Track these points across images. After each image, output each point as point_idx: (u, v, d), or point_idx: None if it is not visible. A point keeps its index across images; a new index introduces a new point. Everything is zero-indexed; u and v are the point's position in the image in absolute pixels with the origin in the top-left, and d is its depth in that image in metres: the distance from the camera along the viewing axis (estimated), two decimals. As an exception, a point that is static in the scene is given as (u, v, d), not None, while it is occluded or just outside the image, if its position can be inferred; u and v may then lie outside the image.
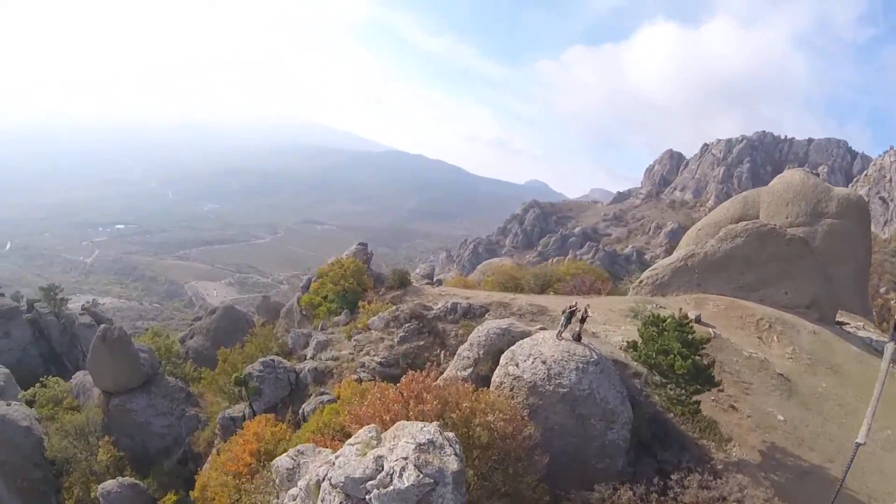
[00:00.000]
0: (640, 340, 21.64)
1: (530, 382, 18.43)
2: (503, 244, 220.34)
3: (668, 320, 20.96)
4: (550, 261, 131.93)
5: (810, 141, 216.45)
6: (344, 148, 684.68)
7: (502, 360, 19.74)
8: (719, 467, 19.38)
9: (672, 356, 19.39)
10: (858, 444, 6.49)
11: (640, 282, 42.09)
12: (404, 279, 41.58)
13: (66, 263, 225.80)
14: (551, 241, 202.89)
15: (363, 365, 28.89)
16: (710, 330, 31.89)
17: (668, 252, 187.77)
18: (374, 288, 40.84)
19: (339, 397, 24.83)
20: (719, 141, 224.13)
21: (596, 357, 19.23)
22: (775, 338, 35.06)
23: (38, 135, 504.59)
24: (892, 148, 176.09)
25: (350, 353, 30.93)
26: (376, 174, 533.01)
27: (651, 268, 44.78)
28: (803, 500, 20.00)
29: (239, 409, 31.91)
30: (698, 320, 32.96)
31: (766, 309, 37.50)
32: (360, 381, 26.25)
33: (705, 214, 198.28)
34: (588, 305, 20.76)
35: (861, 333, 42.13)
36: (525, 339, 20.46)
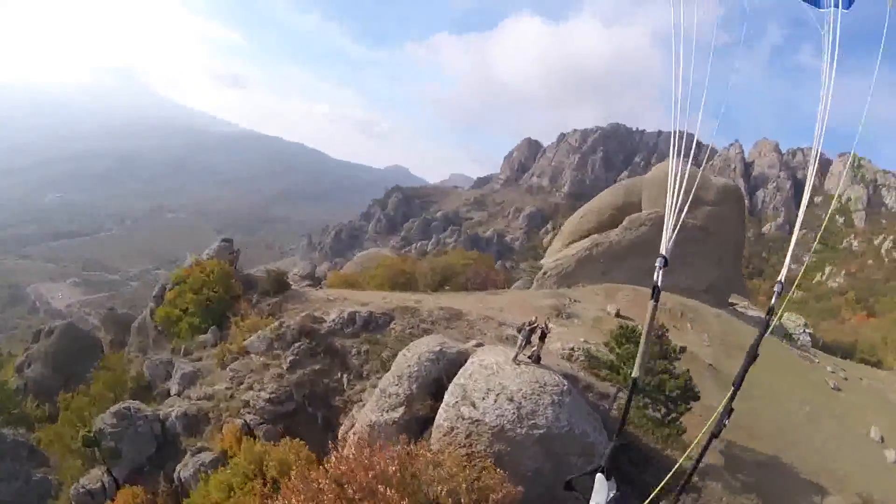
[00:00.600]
0: (613, 358, 17.83)
1: (495, 426, 13.87)
2: (366, 230, 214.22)
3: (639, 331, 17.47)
4: (434, 251, 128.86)
5: (660, 133, 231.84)
6: (197, 128, 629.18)
7: (449, 398, 14.76)
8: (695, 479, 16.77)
9: (662, 375, 15.82)
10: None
11: (545, 273, 39.43)
12: (282, 282, 34.92)
13: None
14: (414, 226, 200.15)
15: (248, 404, 21.83)
16: (631, 324, 29.61)
17: (528, 234, 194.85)
18: (244, 295, 33.22)
19: (226, 454, 18.28)
20: (575, 131, 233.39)
21: (567, 384, 15.11)
22: (689, 325, 33.86)
23: None
24: (737, 142, 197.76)
25: (228, 388, 23.48)
26: (231, 157, 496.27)
27: (553, 258, 42.40)
28: (776, 496, 19.14)
29: (95, 477, 23.20)
30: (618, 314, 30.53)
31: (672, 297, 36.40)
32: (247, 427, 19.71)
33: (561, 198, 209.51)
34: (548, 320, 16.56)
35: (750, 312, 42.83)
36: (471, 366, 15.62)
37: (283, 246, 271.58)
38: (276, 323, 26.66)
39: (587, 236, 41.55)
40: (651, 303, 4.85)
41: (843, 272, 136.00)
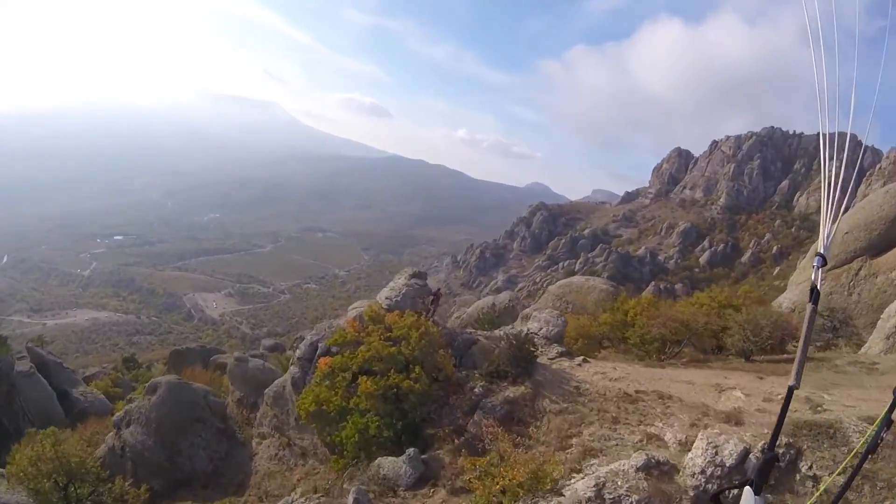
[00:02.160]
0: None
1: None
2: (510, 248, 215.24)
3: None
4: (582, 271, 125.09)
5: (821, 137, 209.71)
6: (346, 155, 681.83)
7: None
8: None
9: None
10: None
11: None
12: (526, 353, 18.49)
13: (63, 276, 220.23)
14: (560, 244, 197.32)
15: None
16: None
17: (682, 252, 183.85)
18: (455, 376, 19.08)
19: None
20: (728, 137, 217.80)
21: None
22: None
23: (36, 142, 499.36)
24: None
25: None
26: (378, 180, 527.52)
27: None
28: None
29: None
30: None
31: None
32: None
33: (717, 212, 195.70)
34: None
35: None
36: None
37: (427, 265, 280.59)
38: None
39: (852, 259, 33.62)
40: (809, 305, 4.12)
41: None
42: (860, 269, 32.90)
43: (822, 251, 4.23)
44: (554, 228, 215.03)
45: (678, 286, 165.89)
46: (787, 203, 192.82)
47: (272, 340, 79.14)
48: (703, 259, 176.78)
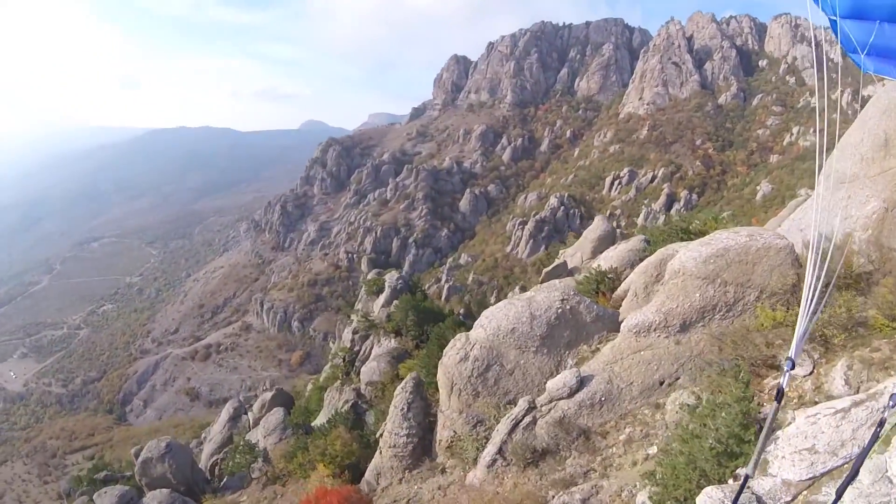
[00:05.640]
0: None
1: None
2: (311, 194, 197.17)
3: None
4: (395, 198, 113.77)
5: (588, 24, 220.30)
6: (105, 143, 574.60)
7: None
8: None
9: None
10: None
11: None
12: None
13: None
14: (364, 176, 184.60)
15: None
16: None
17: (486, 155, 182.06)
18: None
19: None
20: (503, 38, 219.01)
21: None
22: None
23: None
24: (672, 18, 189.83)
25: None
26: (143, 162, 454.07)
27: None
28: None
29: None
30: None
31: None
32: None
33: (507, 110, 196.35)
34: None
35: None
36: None
37: (225, 237, 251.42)
38: None
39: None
40: (774, 404, 4.98)
41: (812, 130, 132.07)
42: None
43: (792, 356, 4.73)
44: (351, 162, 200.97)
45: (490, 188, 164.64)
46: (569, 89, 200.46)
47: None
48: (505, 157, 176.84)
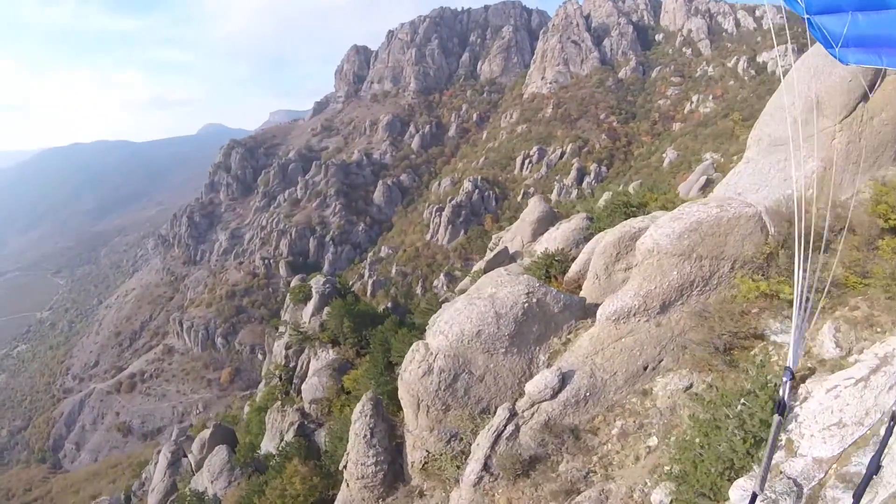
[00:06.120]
0: None
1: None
2: (218, 201, 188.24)
3: None
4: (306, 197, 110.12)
5: (487, 7, 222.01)
6: None
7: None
8: None
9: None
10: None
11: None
12: None
13: None
14: (271, 177, 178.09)
15: None
16: None
17: (394, 145, 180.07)
18: None
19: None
20: (403, 25, 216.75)
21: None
22: None
23: None
24: None
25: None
26: (36, 187, 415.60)
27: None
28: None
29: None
30: None
31: None
32: None
33: (411, 98, 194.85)
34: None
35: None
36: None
37: (134, 258, 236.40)
38: None
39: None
40: (776, 417, 4.97)
41: (711, 97, 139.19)
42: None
43: (790, 365, 4.76)
44: (256, 163, 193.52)
45: (403, 177, 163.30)
46: (472, 73, 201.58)
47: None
48: (414, 145, 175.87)
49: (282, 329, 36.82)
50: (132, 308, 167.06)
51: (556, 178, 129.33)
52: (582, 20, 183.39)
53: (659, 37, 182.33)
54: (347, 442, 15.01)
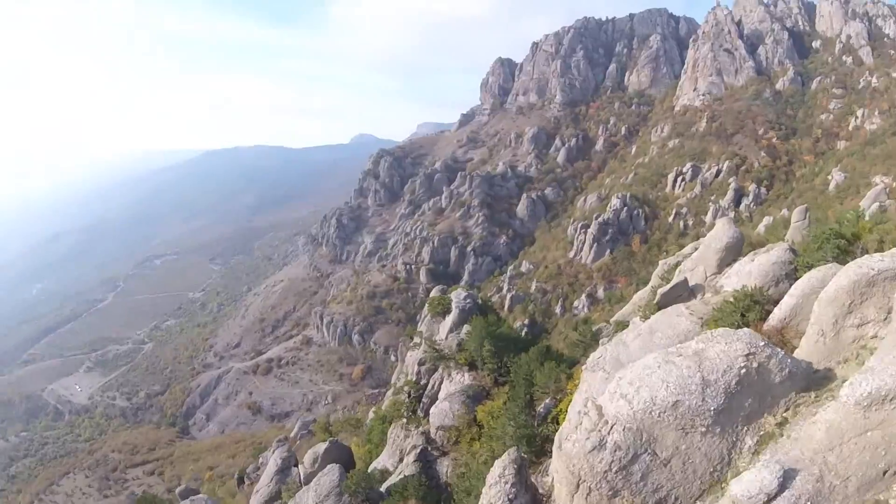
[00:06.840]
0: None
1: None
2: (366, 206, 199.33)
3: None
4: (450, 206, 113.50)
5: (632, 16, 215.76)
6: (164, 165, 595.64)
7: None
8: None
9: None
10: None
11: None
12: None
13: None
14: (417, 186, 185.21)
15: None
16: None
17: (539, 158, 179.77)
18: None
19: None
20: (547, 37, 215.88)
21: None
22: None
23: None
24: (718, 4, 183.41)
25: None
26: (200, 182, 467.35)
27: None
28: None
29: None
30: None
31: None
32: None
33: (557, 110, 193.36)
34: None
35: None
36: None
37: (283, 252, 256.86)
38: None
39: None
40: None
41: (877, 111, 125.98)
42: None
43: None
44: (403, 172, 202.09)
45: (547, 191, 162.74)
46: (619, 85, 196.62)
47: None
48: (560, 158, 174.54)
49: (416, 340, 35.07)
50: (278, 298, 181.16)
51: (711, 198, 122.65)
52: (734, 27, 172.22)
53: (816, 44, 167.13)
54: (476, 497, 13.61)
